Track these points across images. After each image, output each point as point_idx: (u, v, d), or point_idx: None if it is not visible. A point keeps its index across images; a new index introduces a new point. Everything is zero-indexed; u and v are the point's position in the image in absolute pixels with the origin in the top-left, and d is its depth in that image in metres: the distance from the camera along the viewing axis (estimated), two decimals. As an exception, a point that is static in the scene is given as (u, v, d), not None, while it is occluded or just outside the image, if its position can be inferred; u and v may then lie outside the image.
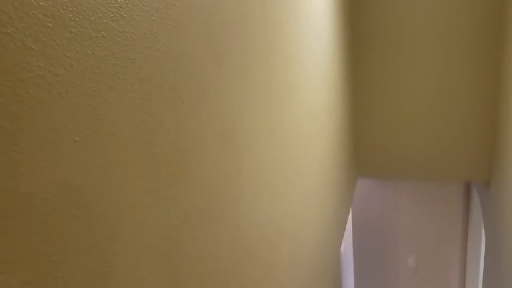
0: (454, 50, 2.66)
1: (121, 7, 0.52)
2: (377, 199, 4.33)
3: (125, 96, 0.54)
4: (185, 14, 0.66)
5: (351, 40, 2.77)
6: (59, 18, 0.44)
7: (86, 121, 0.48)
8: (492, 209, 2.73)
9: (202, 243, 0.72)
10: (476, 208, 3.87)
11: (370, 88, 2.90)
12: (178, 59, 0.65)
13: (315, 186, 1.71)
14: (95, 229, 0.49)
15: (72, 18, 0.46)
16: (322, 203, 1.86)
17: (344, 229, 2.57)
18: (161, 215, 0.60)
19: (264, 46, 1.06)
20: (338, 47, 2.27)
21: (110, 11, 0.51)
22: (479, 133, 2.74)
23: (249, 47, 0.94)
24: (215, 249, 0.78)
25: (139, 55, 0.56)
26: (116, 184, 0.52)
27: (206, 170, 0.75)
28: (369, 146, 2.99)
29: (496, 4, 2.50)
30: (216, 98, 0.79)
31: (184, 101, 0.67)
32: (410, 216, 4.26)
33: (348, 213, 2.73)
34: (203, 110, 0.74)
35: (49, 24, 0.42)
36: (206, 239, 0.74)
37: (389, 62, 2.83)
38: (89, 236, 0.48)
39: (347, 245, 4.62)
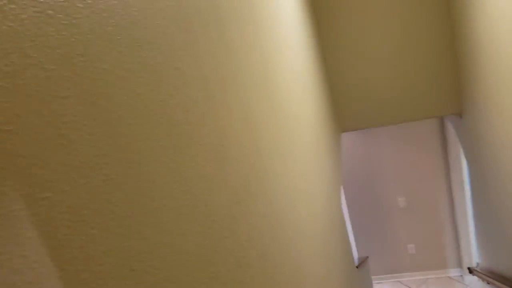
0: (409, -5, 2.81)
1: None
2: (362, 150, 4.53)
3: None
4: None
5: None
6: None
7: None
8: (469, 138, 2.94)
9: (251, 212, 0.83)
10: (453, 139, 4.12)
11: (340, 48, 3.02)
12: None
13: (311, 148, 1.84)
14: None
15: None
16: (320, 163, 2.00)
17: (341, 184, 2.72)
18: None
19: (244, 9, 1.15)
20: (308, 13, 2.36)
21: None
22: (446, 70, 2.93)
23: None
24: (260, 215, 0.89)
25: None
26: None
27: (244, 152, 0.85)
28: (347, 102, 3.14)
29: None
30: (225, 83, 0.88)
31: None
32: (394, 159, 4.48)
33: (340, 169, 2.88)
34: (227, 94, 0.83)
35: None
36: (255, 210, 0.85)
37: (356, 19, 2.95)
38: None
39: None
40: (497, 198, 2.53)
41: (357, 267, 2.72)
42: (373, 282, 5.06)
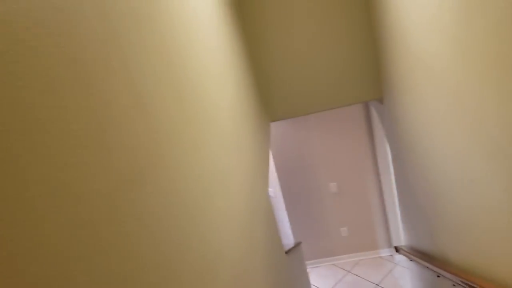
0: (329, -17, 2.86)
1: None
2: (294, 138, 4.60)
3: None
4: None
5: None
6: None
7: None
8: (389, 122, 3.07)
9: (142, 200, 0.79)
10: (378, 125, 4.29)
11: (266, 40, 3.03)
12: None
13: (234, 138, 1.82)
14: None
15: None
16: (244, 152, 1.98)
17: (268, 171, 2.74)
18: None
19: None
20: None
21: None
22: (367, 59, 3.03)
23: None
24: (157, 205, 0.85)
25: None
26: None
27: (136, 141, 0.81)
28: (275, 92, 3.16)
29: None
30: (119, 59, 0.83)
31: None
32: (324, 146, 4.60)
33: (268, 157, 2.90)
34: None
35: None
36: (147, 199, 0.81)
37: (281, 11, 2.96)
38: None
39: (276, 189, 4.89)
40: (413, 179, 2.66)
41: (286, 253, 2.76)
42: (310, 266, 5.20)
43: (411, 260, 3.17)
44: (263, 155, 2.68)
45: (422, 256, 2.96)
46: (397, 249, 3.65)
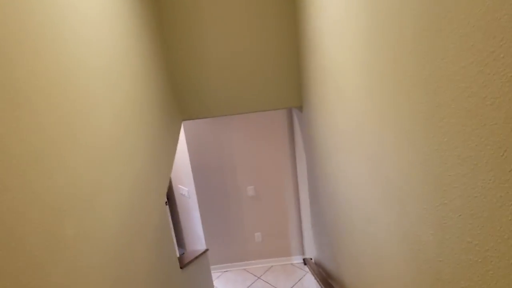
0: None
1: None
2: (213, 138, 4.41)
3: None
4: None
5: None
6: None
7: None
8: (305, 127, 2.98)
9: None
10: (299, 132, 4.22)
11: (185, 39, 2.79)
12: None
13: (122, 137, 1.59)
14: None
15: None
16: (139, 153, 1.76)
17: (169, 172, 2.52)
18: None
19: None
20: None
21: None
22: (290, 66, 2.90)
23: None
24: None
25: None
26: None
27: None
28: (191, 92, 2.94)
29: None
30: None
31: None
32: (245, 148, 4.46)
33: (173, 158, 2.68)
34: None
35: None
36: None
37: (202, 11, 2.73)
38: None
39: (190, 189, 4.68)
40: (322, 195, 2.58)
41: (183, 267, 2.56)
42: (220, 271, 5.06)
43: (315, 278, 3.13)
44: (165, 157, 2.46)
45: (324, 274, 2.91)
46: (305, 262, 3.60)
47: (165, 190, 2.40)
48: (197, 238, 5.01)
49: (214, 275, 4.99)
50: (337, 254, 2.30)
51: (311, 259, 3.69)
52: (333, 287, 2.38)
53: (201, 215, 4.74)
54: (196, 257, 3.08)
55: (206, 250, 3.62)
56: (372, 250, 1.51)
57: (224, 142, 4.42)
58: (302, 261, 3.71)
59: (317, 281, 2.79)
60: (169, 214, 4.87)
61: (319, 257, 3.21)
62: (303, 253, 4.97)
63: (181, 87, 2.95)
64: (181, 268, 2.54)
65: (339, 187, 1.95)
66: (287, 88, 2.98)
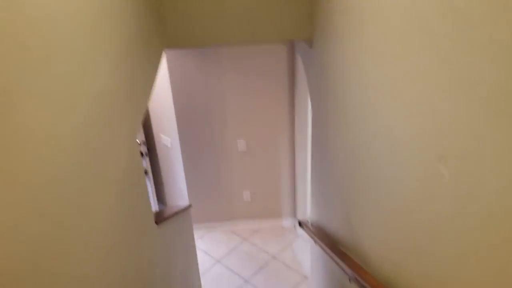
0: None
1: None
2: (201, 81, 3.88)
3: None
4: None
5: None
6: None
7: None
8: (315, 71, 2.48)
9: None
10: (302, 78, 3.72)
11: None
12: None
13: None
14: None
15: None
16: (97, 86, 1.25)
17: (144, 109, 2.02)
18: None
19: None
20: None
21: None
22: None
23: None
24: None
25: None
26: None
27: None
28: (176, 12, 2.39)
29: None
30: None
31: None
32: (237, 94, 3.95)
33: (150, 92, 2.17)
34: None
35: None
36: None
37: None
38: None
39: (173, 139, 4.19)
40: (334, 149, 2.12)
41: (157, 222, 2.11)
42: (204, 230, 4.66)
43: (315, 243, 2.73)
44: (139, 87, 1.96)
45: (328, 240, 2.50)
46: (300, 224, 3.19)
47: (138, 128, 1.91)
48: (180, 193, 4.57)
49: (197, 234, 4.59)
50: (356, 219, 1.87)
51: (307, 221, 3.29)
52: (345, 254, 1.97)
53: (184, 168, 4.28)
54: (176, 213, 2.63)
55: (189, 206, 3.18)
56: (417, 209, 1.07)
57: (213, 86, 3.91)
58: (298, 223, 3.30)
59: (321, 246, 2.38)
60: (148, 165, 4.41)
61: (320, 220, 2.79)
62: (294, 215, 4.58)
63: (164, 4, 2.39)
64: (156, 223, 2.09)
65: (367, 137, 1.49)
66: (294, 15, 2.45)
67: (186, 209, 3.04)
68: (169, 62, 3.76)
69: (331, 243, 2.29)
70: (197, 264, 3.50)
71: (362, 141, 1.58)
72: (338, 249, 2.10)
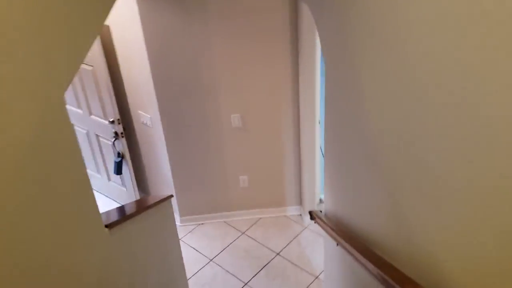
0: None
1: None
2: (184, 43, 3.19)
3: None
4: None
5: None
6: None
7: None
8: (333, 28, 1.80)
9: None
10: (307, 32, 3.05)
11: None
12: None
13: None
14: None
15: None
16: None
17: (82, 54, 1.36)
18: None
19: None
20: None
21: None
22: None
23: None
24: None
25: None
26: None
27: None
28: None
29: None
30: None
31: None
32: (230, 58, 3.27)
33: (94, 33, 1.50)
34: None
35: None
36: None
37: None
38: None
39: (153, 115, 3.53)
40: (366, 123, 1.47)
41: (107, 226, 1.46)
42: (195, 223, 4.03)
43: (337, 245, 2.09)
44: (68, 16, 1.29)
45: (347, 235, 1.87)
46: (312, 216, 2.55)
47: (69, 78, 1.25)
48: (164, 180, 3.93)
49: (186, 229, 3.96)
50: (415, 213, 1.23)
51: (321, 211, 2.64)
52: (380, 257, 1.35)
53: (168, 150, 3.63)
54: (147, 208, 1.99)
55: (168, 197, 2.53)
56: None
57: (200, 49, 3.23)
58: (308, 215, 2.65)
59: (345, 246, 1.75)
60: (125, 147, 3.76)
61: (341, 212, 2.15)
62: (300, 202, 3.95)
63: None
64: (109, 227, 1.45)
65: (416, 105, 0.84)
66: None
67: (163, 201, 2.39)
68: (143, 20, 3.07)
69: (360, 243, 1.65)
70: (182, 268, 2.87)
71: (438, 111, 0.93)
72: (366, 249, 1.47)
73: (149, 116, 3.60)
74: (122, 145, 3.79)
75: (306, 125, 3.44)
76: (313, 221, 2.64)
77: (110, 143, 3.83)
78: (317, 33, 3.07)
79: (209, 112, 3.48)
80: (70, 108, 4.10)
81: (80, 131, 4.18)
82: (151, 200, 2.36)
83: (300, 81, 3.33)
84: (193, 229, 3.96)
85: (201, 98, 3.42)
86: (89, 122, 3.98)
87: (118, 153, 3.87)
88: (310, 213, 2.58)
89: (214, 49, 3.22)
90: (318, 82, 3.31)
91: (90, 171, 4.45)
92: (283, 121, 3.54)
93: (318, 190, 3.79)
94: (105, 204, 4.33)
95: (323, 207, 3.97)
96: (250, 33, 3.16)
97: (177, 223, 4.04)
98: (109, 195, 4.41)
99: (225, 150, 3.66)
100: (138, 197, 4.06)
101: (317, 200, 3.79)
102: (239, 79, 3.35)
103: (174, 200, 3.90)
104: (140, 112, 3.70)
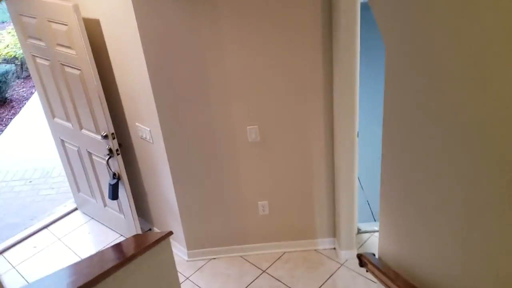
0: None
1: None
2: (189, 39, 2.62)
3: None
4: None
5: None
6: None
7: None
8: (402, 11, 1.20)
9: None
10: (345, 33, 2.46)
11: None
12: None
13: None
14: None
15: None
16: None
17: None
18: None
19: None
20: None
21: None
22: None
23: None
24: None
25: None
26: None
27: None
28: None
29: None
30: None
31: None
32: (243, 56, 2.69)
33: None
34: None
35: None
36: None
37: None
38: None
39: (154, 128, 2.95)
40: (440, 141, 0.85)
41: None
42: (205, 258, 3.41)
43: (384, 285, 1.45)
44: None
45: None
46: (362, 262, 1.90)
47: None
48: (168, 206, 3.33)
49: (195, 264, 3.35)
50: None
51: (373, 254, 1.98)
52: None
53: (172, 170, 3.04)
54: (133, 256, 1.39)
55: (166, 235, 1.92)
56: None
57: (209, 46, 2.64)
58: (358, 259, 1.99)
59: None
60: (121, 166, 3.21)
61: (405, 255, 1.52)
62: (334, 234, 3.30)
63: None
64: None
65: None
66: None
67: (158, 242, 1.78)
68: (138, 13, 2.51)
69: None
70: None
71: None
72: None
73: (148, 129, 3.03)
74: (118, 164, 3.22)
75: (342, 138, 2.81)
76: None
77: (105, 162, 3.26)
78: (357, 28, 2.49)
79: (221, 124, 2.88)
80: (59, 121, 3.56)
81: (70, 148, 3.64)
82: (141, 242, 1.77)
83: (335, 85, 2.71)
84: (203, 266, 3.33)
85: (211, 107, 2.83)
86: (80, 137, 3.43)
87: (114, 174, 3.30)
88: (359, 257, 1.93)
89: (225, 47, 2.63)
90: (357, 85, 2.70)
91: (84, 195, 3.89)
92: (312, 133, 2.91)
93: (356, 219, 3.15)
94: (102, 233, 3.76)
95: (362, 238, 3.33)
96: (270, 28, 2.57)
97: (184, 257, 3.42)
98: (106, 223, 3.83)
99: (240, 169, 3.04)
100: (138, 226, 3.48)
101: (355, 230, 3.14)
102: (256, 83, 2.75)
103: (180, 230, 3.29)
104: (138, 124, 3.12)
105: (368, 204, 3.83)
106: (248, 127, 2.89)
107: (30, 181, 4.87)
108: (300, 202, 3.17)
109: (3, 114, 6.96)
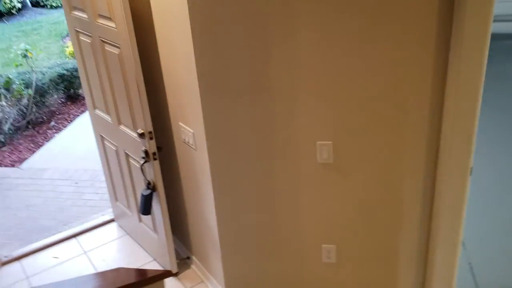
0: None
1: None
2: (249, 31, 2.02)
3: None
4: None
5: None
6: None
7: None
8: None
9: None
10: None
11: None
12: None
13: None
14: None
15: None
16: None
17: None
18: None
19: None
20: None
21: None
22: None
23: None
24: None
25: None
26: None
27: None
28: None
29: None
30: None
31: None
32: (319, 56, 2.02)
33: None
34: None
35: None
36: None
37: None
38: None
39: (198, 133, 2.36)
40: None
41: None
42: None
43: None
44: None
45: None
46: None
47: None
48: (208, 232, 2.73)
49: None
50: None
51: None
52: None
53: (214, 189, 2.44)
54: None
55: (161, 275, 1.29)
56: None
57: (275, 35, 2.01)
58: None
59: None
60: (158, 174, 2.69)
61: None
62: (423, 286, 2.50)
63: None
64: None
65: None
66: None
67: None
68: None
69: None
70: None
71: None
72: None
73: (192, 131, 2.46)
74: (153, 172, 2.69)
75: (448, 174, 2.04)
76: None
77: (139, 166, 2.76)
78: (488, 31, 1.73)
79: (281, 135, 2.23)
80: (99, 114, 3.12)
81: (109, 148, 3.18)
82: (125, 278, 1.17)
83: (447, 102, 1.95)
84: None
85: (270, 112, 2.18)
86: (118, 134, 2.97)
87: (148, 183, 2.77)
88: None
89: (299, 37, 1.98)
90: (479, 106, 1.93)
91: (121, 205, 3.42)
92: (407, 162, 2.15)
93: (455, 277, 2.36)
94: (133, 253, 3.25)
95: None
96: (365, 17, 1.88)
97: (222, 300, 2.80)
98: (139, 241, 3.32)
99: (303, 199, 2.36)
100: (172, 251, 2.93)
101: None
102: (337, 87, 2.06)
103: (219, 265, 2.67)
104: (181, 124, 2.57)
105: (471, 269, 2.93)
106: (318, 142, 2.20)
107: (76, 183, 4.56)
108: (379, 252, 2.41)
109: (72, 110, 6.91)
